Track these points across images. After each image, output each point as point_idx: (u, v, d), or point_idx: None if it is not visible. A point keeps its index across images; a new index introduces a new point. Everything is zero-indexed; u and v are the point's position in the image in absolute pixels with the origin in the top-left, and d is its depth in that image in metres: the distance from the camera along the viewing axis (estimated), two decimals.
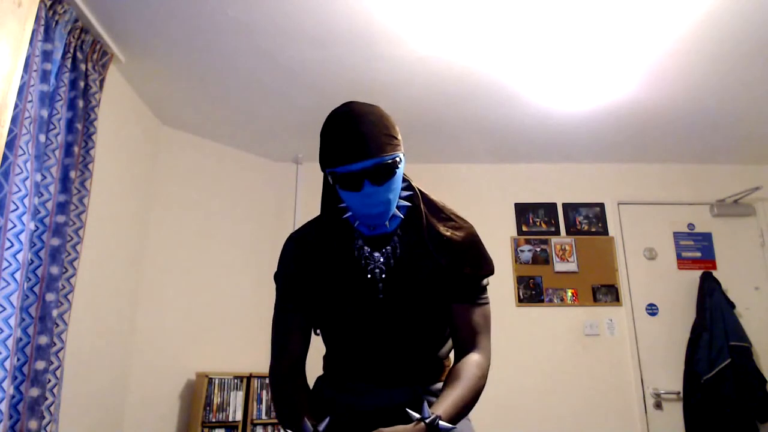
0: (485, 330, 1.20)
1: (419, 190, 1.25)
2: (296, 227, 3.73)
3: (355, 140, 1.06)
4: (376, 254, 1.19)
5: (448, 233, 1.20)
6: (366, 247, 1.20)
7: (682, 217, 3.79)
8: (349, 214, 1.20)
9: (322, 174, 1.20)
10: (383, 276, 1.18)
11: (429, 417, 0.98)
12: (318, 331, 1.30)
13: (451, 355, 1.27)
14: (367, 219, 1.15)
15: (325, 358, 1.33)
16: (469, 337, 1.18)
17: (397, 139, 1.13)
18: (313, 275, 1.21)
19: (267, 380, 3.12)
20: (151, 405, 3.01)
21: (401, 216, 1.20)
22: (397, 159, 1.10)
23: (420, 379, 1.22)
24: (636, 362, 3.48)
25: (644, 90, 2.92)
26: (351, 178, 1.07)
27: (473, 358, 1.15)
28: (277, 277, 1.28)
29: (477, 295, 1.21)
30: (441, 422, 0.98)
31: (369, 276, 1.19)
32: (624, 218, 3.81)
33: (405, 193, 1.20)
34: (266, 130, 3.46)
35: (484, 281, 1.23)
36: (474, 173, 3.91)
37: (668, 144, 3.61)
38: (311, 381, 1.30)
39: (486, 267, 1.22)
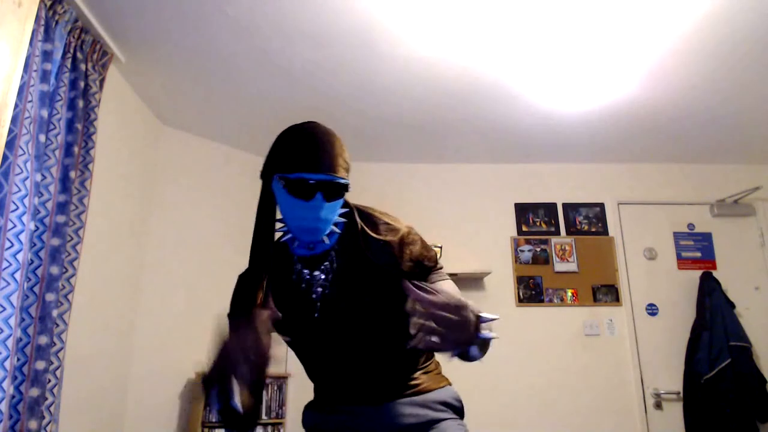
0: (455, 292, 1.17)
1: (354, 205, 1.26)
2: None
3: (321, 152, 1.10)
4: (316, 273, 1.20)
5: (385, 237, 1.20)
6: (305, 270, 1.21)
7: (682, 217, 3.79)
8: (287, 237, 1.20)
9: None
10: (326, 292, 1.18)
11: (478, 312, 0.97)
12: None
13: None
14: (303, 233, 1.14)
15: (314, 387, 1.34)
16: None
17: (349, 169, 1.17)
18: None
19: (267, 380, 3.12)
20: (151, 405, 3.01)
21: (338, 231, 1.20)
22: (348, 185, 1.15)
23: (408, 388, 1.22)
24: (636, 362, 3.48)
25: (644, 90, 2.92)
26: (305, 187, 1.10)
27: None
28: (229, 316, 1.26)
29: (432, 274, 1.21)
30: (483, 314, 0.99)
31: (314, 296, 1.19)
32: (624, 218, 3.81)
33: (342, 211, 1.20)
34: (266, 130, 3.45)
35: (437, 267, 1.23)
36: (474, 173, 3.91)
37: (668, 144, 3.61)
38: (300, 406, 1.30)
39: (429, 258, 1.22)
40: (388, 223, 1.24)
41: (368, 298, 1.17)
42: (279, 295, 1.20)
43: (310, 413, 1.31)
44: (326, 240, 1.18)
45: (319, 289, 1.19)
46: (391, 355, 1.22)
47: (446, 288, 1.13)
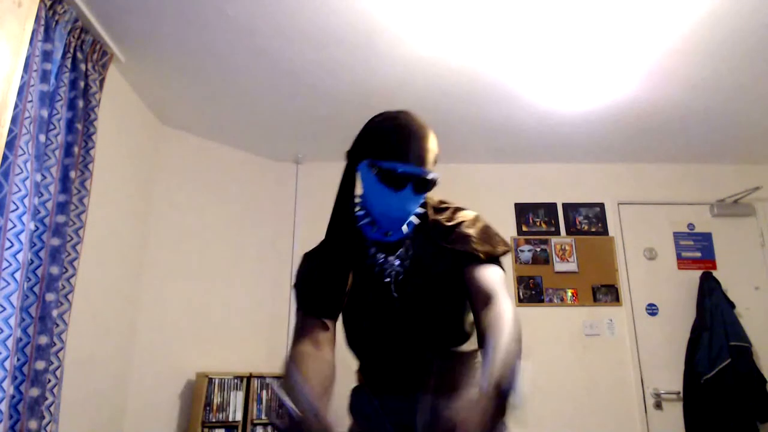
0: (502, 285, 1.12)
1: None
2: (296, 227, 3.75)
3: (417, 145, 1.12)
4: (391, 258, 1.20)
5: (453, 223, 1.21)
6: (380, 254, 1.21)
7: (682, 217, 3.79)
8: (364, 221, 1.20)
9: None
10: (400, 278, 1.19)
11: (485, 384, 0.86)
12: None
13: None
14: (386, 221, 1.17)
15: (360, 371, 1.31)
16: (487, 287, 1.09)
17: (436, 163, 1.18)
18: (331, 288, 1.20)
19: (267, 380, 3.12)
20: (151, 405, 3.01)
21: (416, 222, 1.21)
22: (437, 182, 1.16)
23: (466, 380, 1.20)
24: (636, 362, 3.48)
25: (644, 90, 2.92)
26: (397, 177, 1.10)
27: (498, 307, 1.03)
28: (294, 292, 1.26)
29: (492, 263, 1.17)
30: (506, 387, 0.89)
31: (387, 280, 1.19)
32: (624, 218, 3.81)
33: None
34: (266, 130, 3.46)
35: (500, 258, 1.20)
36: (474, 173, 3.90)
37: (668, 144, 3.61)
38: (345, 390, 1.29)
39: (499, 243, 1.20)
40: (458, 209, 1.26)
41: (440, 288, 1.18)
42: (352, 278, 1.19)
43: (361, 396, 1.28)
44: (404, 228, 1.19)
45: (393, 274, 1.19)
46: (453, 346, 1.22)
47: (498, 279, 1.10)
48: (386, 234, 1.20)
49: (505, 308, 1.02)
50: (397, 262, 1.20)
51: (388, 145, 1.11)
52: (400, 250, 1.21)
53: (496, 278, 1.13)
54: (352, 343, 1.28)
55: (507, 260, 3.88)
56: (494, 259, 1.17)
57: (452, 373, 1.20)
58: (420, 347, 1.20)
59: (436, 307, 1.19)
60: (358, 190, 1.21)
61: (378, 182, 1.12)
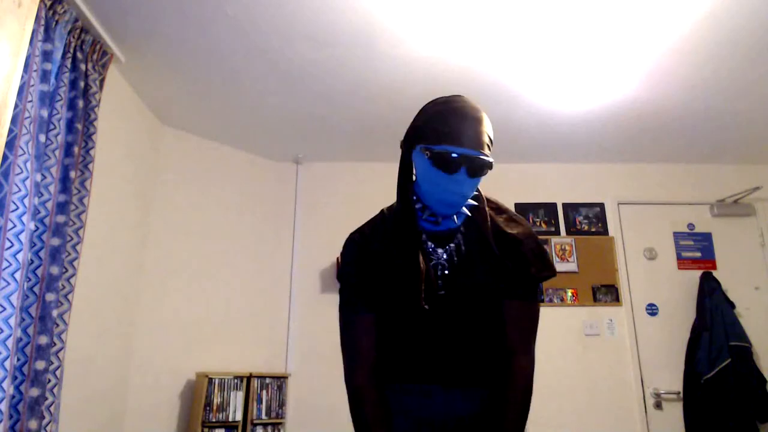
0: (533, 329, 1.20)
1: (481, 192, 1.26)
2: (296, 227, 3.76)
3: (473, 127, 1.09)
4: (440, 250, 1.19)
5: (512, 232, 1.19)
6: (429, 243, 1.20)
7: (682, 217, 3.79)
8: (416, 206, 1.20)
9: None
10: (446, 272, 1.18)
11: None
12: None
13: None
14: (440, 206, 1.15)
15: (383, 358, 1.26)
16: (517, 336, 1.17)
17: (492, 147, 1.16)
18: (375, 272, 1.19)
19: (267, 380, 3.12)
20: (151, 405, 3.01)
21: (467, 213, 1.20)
22: (492, 164, 1.13)
23: (483, 379, 1.18)
24: (636, 362, 3.48)
25: (644, 90, 2.92)
26: (450, 160, 1.09)
27: (518, 369, 1.15)
28: (341, 276, 1.26)
29: (532, 293, 1.21)
30: None
31: (431, 271, 1.18)
32: (624, 218, 3.81)
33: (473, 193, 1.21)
34: (266, 130, 3.46)
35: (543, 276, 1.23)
36: None
37: (668, 144, 3.61)
38: None
39: (550, 268, 1.22)
40: (515, 220, 1.24)
41: (485, 288, 1.17)
42: (396, 263, 1.18)
43: (399, 395, 1.25)
44: (455, 219, 1.18)
45: (439, 267, 1.18)
46: (484, 345, 1.20)
47: (532, 322, 1.20)
48: (436, 222, 1.19)
49: (524, 371, 1.15)
50: (445, 256, 1.19)
51: (441, 129, 1.10)
52: (450, 244, 1.20)
53: (528, 325, 1.19)
54: (387, 328, 1.22)
55: None
56: (538, 280, 1.21)
57: (483, 371, 1.20)
58: (457, 341, 1.18)
59: (477, 307, 1.18)
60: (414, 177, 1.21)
61: (431, 166, 1.11)
